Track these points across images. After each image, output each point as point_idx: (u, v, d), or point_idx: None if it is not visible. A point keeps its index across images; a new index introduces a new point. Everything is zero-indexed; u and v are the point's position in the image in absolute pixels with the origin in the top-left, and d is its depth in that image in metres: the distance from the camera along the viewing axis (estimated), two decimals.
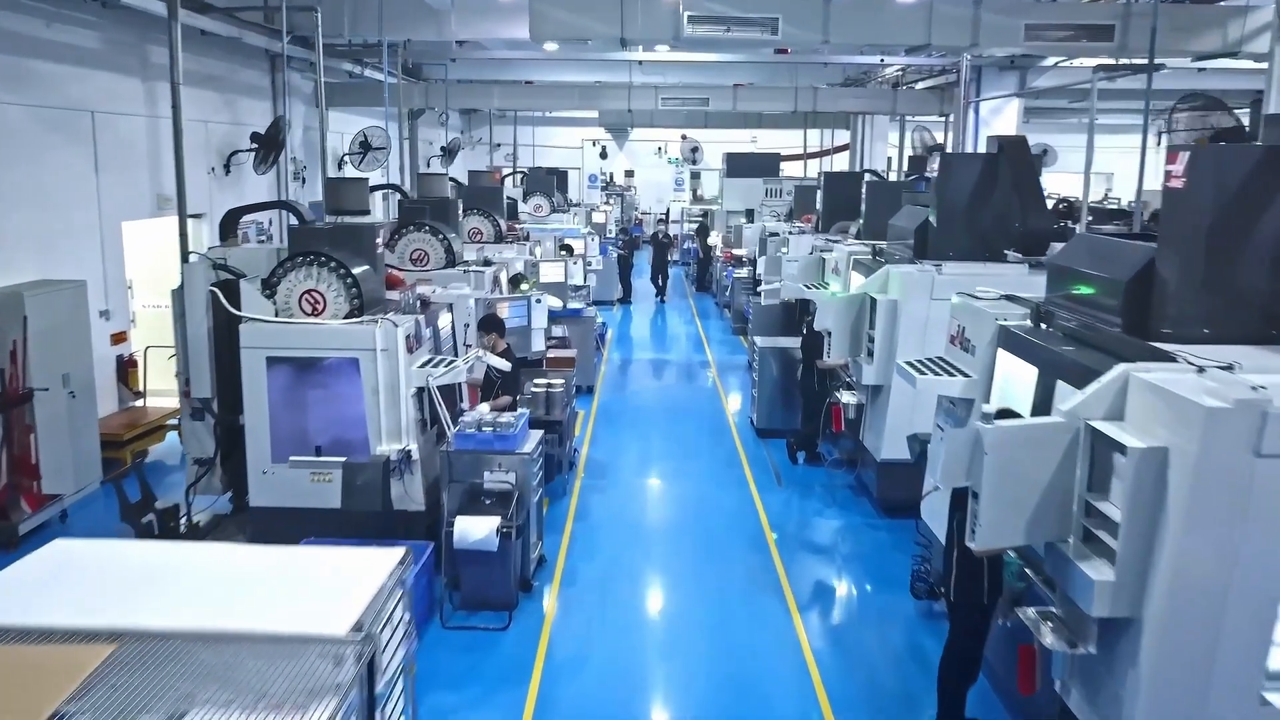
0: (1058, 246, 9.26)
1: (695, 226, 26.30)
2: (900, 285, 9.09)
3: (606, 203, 32.87)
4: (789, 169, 26.86)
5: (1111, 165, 26.40)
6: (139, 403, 11.40)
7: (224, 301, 7.74)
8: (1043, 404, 5.65)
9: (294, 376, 7.62)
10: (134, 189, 11.75)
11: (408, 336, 7.53)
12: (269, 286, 7.76)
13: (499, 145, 31.07)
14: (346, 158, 19.56)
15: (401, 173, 16.15)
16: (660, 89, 19.22)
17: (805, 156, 25.85)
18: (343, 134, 19.73)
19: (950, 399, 7.01)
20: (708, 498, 10.16)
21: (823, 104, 19.39)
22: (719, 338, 19.29)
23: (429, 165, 27.53)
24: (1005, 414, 5.03)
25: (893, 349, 9.00)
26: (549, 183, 24.84)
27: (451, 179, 16.68)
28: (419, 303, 8.77)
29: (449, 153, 27.63)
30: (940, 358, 7.45)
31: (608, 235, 27.02)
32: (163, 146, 12.56)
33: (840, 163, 26.70)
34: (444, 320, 9.03)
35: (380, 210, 19.05)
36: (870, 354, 9.29)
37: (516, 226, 16.56)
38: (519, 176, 26.85)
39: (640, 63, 18.06)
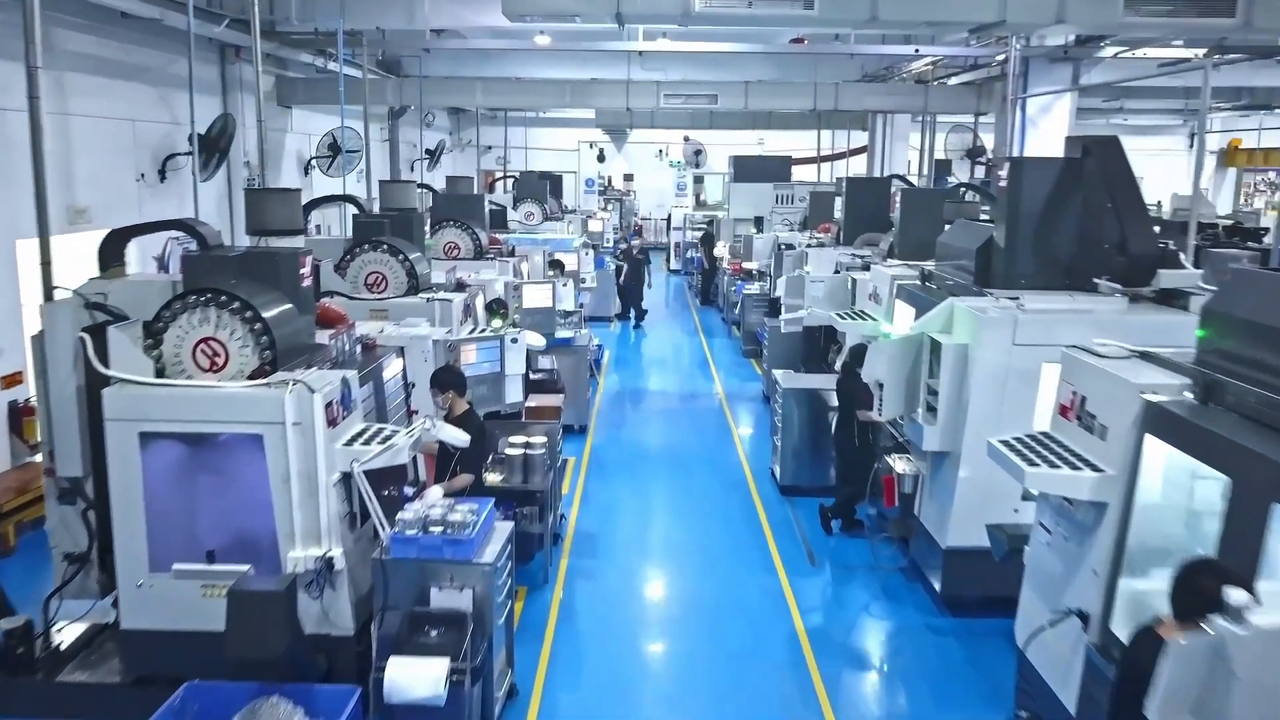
0: (1167, 274, 7.42)
1: (700, 235, 24.34)
2: (971, 325, 7.15)
3: (604, 208, 30.95)
4: (801, 173, 24.95)
5: (1139, 168, 24.60)
6: (37, 457, 9.44)
7: (91, 354, 5.83)
8: (1240, 527, 3.80)
9: (180, 458, 5.68)
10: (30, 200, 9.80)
11: (330, 404, 5.61)
12: (152, 334, 5.84)
13: (489, 148, 29.12)
14: (314, 162, 17.66)
15: (367, 179, 14.21)
16: (662, 85, 17.26)
17: (819, 160, 23.92)
18: (310, 135, 17.82)
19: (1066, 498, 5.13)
20: (726, 584, 8.22)
21: (845, 102, 17.40)
22: (728, 360, 17.36)
23: (413, 169, 25.63)
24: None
25: (962, 407, 7.08)
26: (541, 188, 22.90)
27: (423, 186, 14.76)
28: (358, 347, 6.82)
29: (434, 156, 25.72)
30: (1046, 434, 5.57)
31: (606, 244, 25.11)
32: (76, 150, 10.62)
33: (857, 166, 24.78)
34: (392, 370, 7.10)
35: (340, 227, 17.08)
36: (931, 411, 7.36)
37: (500, 239, 14.62)
38: (509, 181, 24.92)
39: (640, 53, 16.12)
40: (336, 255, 8.66)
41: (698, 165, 30.22)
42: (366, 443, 5.73)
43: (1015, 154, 13.43)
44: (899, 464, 7.87)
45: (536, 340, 8.69)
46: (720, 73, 18.53)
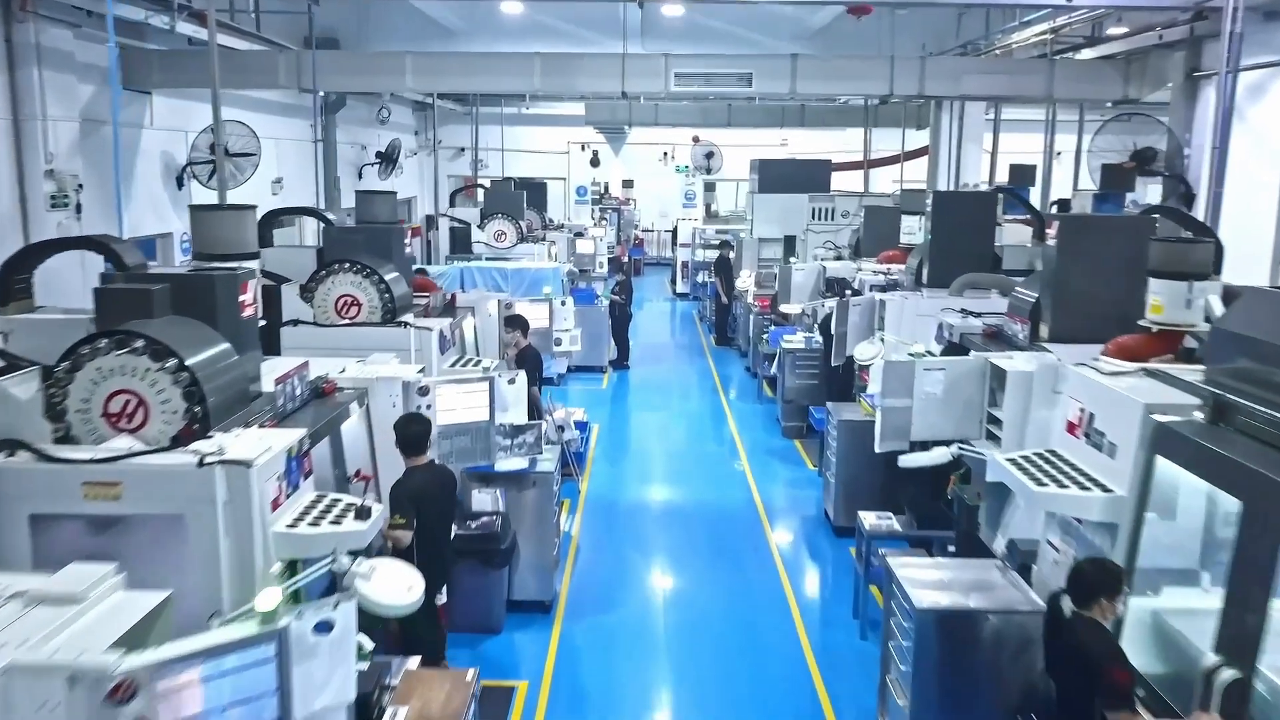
0: None
1: (714, 259, 19.54)
2: None
3: (599, 222, 26.17)
4: (838, 181, 20.20)
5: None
6: None
7: None
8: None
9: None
10: None
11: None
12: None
13: (461, 149, 24.39)
14: (189, 170, 12.88)
15: (322, 194, 9.40)
16: (673, 61, 12.32)
17: (868, 165, 19.14)
18: (186, 133, 13.05)
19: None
20: None
21: (936, 83, 12.29)
22: (763, 442, 12.57)
23: (360, 177, 20.87)
24: None
25: None
26: (517, 200, 18.17)
27: (308, 211, 9.96)
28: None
29: (387, 160, 20.94)
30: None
31: (599, 269, 20.35)
32: None
33: (914, 173, 20.03)
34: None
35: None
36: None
37: (433, 286, 9.88)
38: (480, 193, 20.21)
39: (641, 3, 11.30)
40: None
41: (709, 171, 25.44)
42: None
43: (1215, 156, 8.60)
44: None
45: (391, 595, 3.93)
46: (744, 46, 13.67)
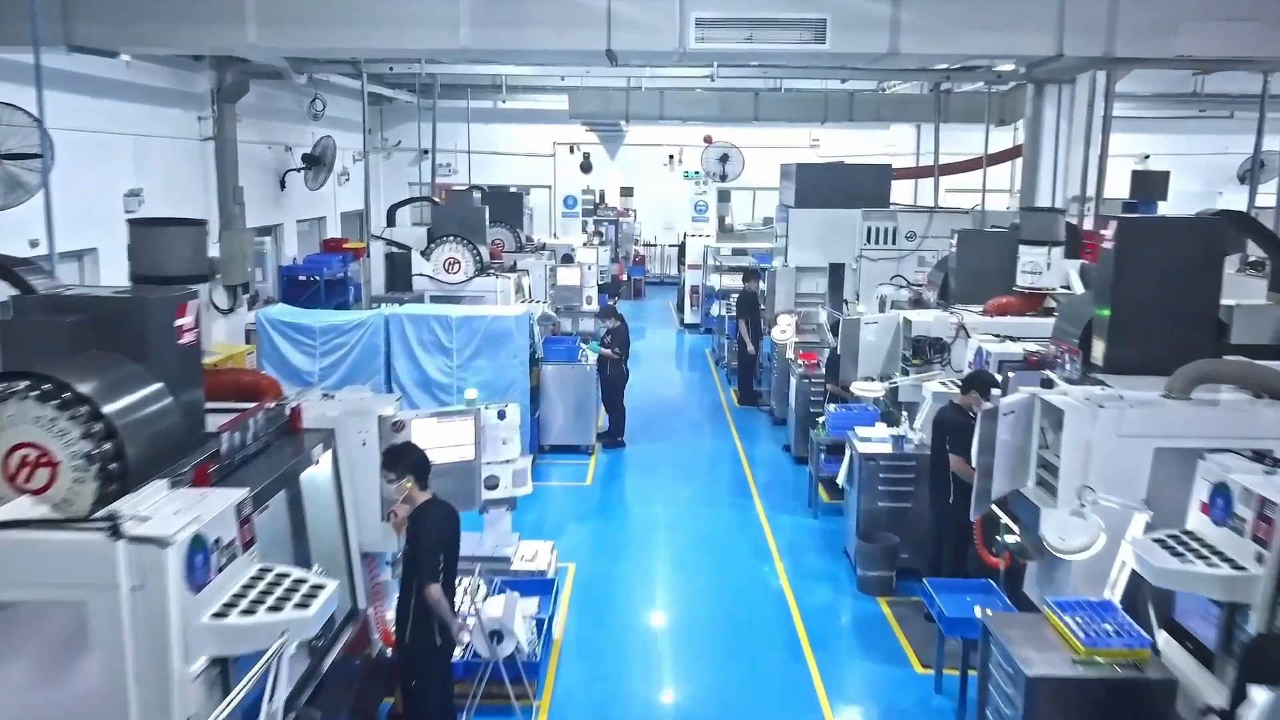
0: None
1: (737, 295, 15.02)
2: None
3: (591, 239, 21.72)
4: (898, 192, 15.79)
5: None
6: None
7: None
8: None
9: None
10: None
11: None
12: None
13: (424, 152, 19.91)
14: None
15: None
16: (690, 3, 7.67)
17: (939, 171, 14.67)
18: None
19: None
20: None
21: (1130, 39, 7.53)
22: (837, 618, 8.01)
23: (283, 186, 16.42)
24: None
25: None
26: (476, 217, 13.76)
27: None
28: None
29: (315, 164, 16.47)
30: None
31: (587, 304, 15.90)
32: None
33: (997, 179, 15.56)
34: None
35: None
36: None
37: (272, 393, 5.46)
38: (423, 210, 15.81)
39: None
40: None
41: (724, 177, 20.96)
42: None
43: None
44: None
45: None
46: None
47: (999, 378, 7.74)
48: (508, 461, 7.16)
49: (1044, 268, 9.56)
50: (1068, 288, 9.98)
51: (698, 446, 12.55)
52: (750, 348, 14.35)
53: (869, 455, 8.36)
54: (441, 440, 6.11)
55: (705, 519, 10.01)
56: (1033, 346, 7.92)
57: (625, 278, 25.21)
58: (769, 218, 25.78)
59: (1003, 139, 15.85)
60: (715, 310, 18.27)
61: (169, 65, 12.43)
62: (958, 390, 8.07)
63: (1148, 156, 21.54)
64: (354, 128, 20.47)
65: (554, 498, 10.49)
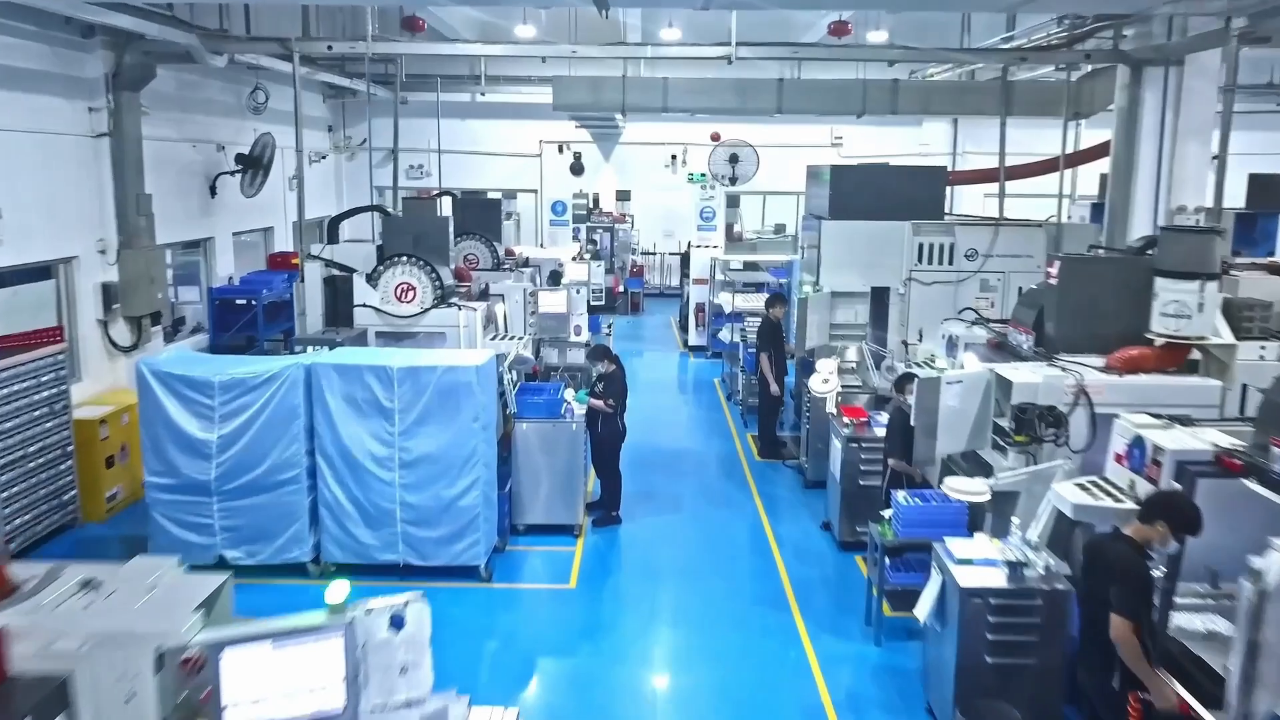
0: None
1: (757, 326, 12.44)
2: None
3: (580, 252, 19.12)
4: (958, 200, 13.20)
5: None
6: None
7: None
8: None
9: None
10: None
11: None
12: None
13: (391, 151, 17.31)
14: None
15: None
16: None
17: (1005, 175, 12.08)
18: None
19: None
20: None
21: None
22: None
23: (213, 193, 13.82)
24: None
25: None
26: (439, 231, 11.18)
27: None
28: None
29: (253, 168, 13.85)
30: None
31: (575, 336, 13.28)
32: None
33: (1085, 185, 12.99)
34: None
35: None
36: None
37: None
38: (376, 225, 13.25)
39: None
40: None
41: (734, 180, 18.37)
42: None
43: None
44: None
45: None
46: None
47: (1176, 486, 5.22)
48: (411, 705, 3.87)
49: (1194, 310, 7.03)
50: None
51: (712, 524, 9.94)
52: (774, 388, 11.77)
53: (973, 590, 5.78)
54: (282, 684, 3.50)
55: (729, 652, 7.37)
56: (1221, 438, 5.37)
57: (622, 291, 22.67)
58: (781, 224, 23.26)
59: (1053, 136, 13.25)
60: (726, 335, 15.70)
61: (46, 43, 9.83)
62: (1109, 499, 5.54)
63: (1215, 157, 18.97)
64: (311, 123, 17.90)
65: (526, 612, 7.91)
